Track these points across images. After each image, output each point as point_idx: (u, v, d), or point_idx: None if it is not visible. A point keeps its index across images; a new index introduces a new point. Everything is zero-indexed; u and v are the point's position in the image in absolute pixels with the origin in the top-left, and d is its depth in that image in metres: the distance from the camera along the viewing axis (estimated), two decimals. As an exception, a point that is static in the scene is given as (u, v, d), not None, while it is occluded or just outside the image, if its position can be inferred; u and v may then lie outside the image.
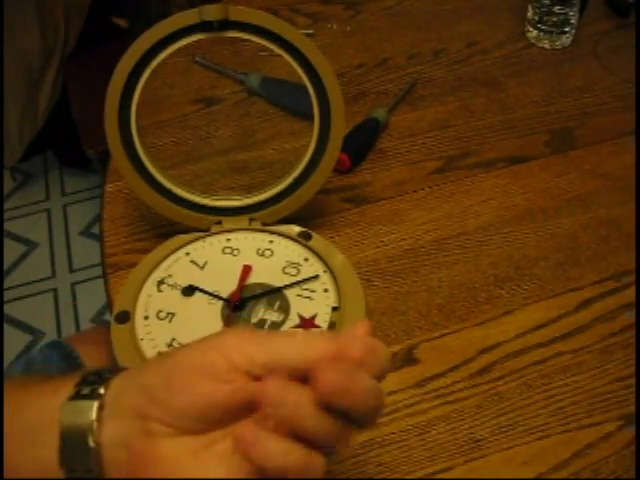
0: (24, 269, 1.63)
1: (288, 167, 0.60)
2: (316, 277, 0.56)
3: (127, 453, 0.33)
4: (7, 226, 1.72)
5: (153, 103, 0.77)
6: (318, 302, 0.54)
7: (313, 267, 0.56)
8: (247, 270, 0.56)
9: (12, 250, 1.67)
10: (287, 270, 0.56)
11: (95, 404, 0.34)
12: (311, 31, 0.86)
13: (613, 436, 0.49)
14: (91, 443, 0.33)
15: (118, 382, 0.35)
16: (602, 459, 0.48)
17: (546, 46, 0.83)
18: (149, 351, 0.50)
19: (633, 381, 0.52)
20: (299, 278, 0.56)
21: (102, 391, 0.34)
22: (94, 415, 0.34)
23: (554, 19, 0.81)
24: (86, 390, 0.35)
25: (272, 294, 0.55)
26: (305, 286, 0.55)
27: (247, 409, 0.34)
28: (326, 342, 0.33)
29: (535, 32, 0.83)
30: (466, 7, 0.90)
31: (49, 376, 0.38)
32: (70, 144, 1.68)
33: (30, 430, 0.35)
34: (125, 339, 0.52)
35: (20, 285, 1.59)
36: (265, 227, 0.60)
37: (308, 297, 0.54)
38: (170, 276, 0.56)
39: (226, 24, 0.55)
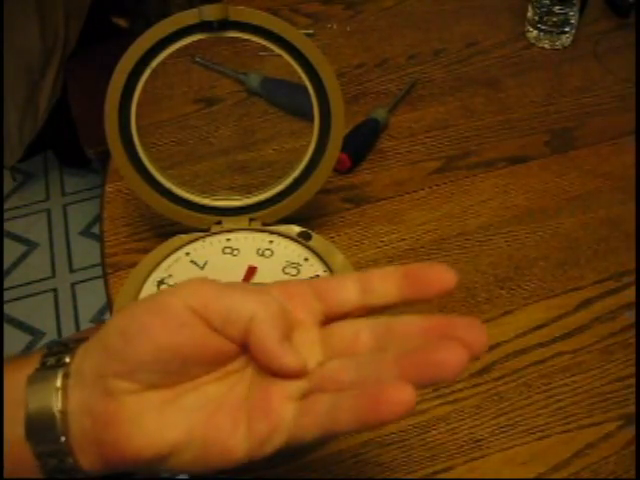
0: (24, 269, 1.63)
1: (288, 167, 0.60)
2: (316, 277, 0.56)
3: (90, 419, 0.32)
4: (7, 226, 1.72)
5: (153, 103, 0.77)
6: (318, 302, 0.54)
7: (313, 267, 0.56)
8: (252, 271, 0.56)
9: (12, 250, 1.67)
10: (287, 270, 0.56)
11: (60, 373, 0.32)
12: (311, 31, 0.86)
13: (613, 436, 0.49)
14: (56, 413, 0.32)
15: (83, 349, 0.34)
16: (602, 459, 0.48)
17: (546, 46, 0.83)
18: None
19: (633, 381, 0.52)
20: (299, 278, 0.56)
21: (67, 360, 0.33)
22: (59, 383, 0.32)
23: (554, 19, 0.81)
24: (52, 360, 0.33)
25: (272, 294, 0.54)
26: (305, 286, 0.55)
27: (214, 363, 0.33)
28: (279, 299, 0.33)
29: (535, 32, 0.83)
30: (466, 7, 0.90)
31: (21, 355, 0.36)
32: (70, 144, 1.68)
33: None
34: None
35: (20, 285, 1.59)
36: (265, 227, 0.60)
37: (308, 297, 0.54)
38: (170, 276, 0.56)
39: (226, 24, 0.55)
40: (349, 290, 0.34)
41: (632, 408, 0.51)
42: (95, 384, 0.32)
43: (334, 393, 0.31)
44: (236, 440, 0.32)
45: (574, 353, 0.54)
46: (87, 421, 0.32)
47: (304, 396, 0.32)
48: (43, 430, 0.32)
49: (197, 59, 0.83)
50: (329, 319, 0.34)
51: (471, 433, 0.50)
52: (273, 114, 0.76)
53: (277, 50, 0.56)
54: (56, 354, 0.34)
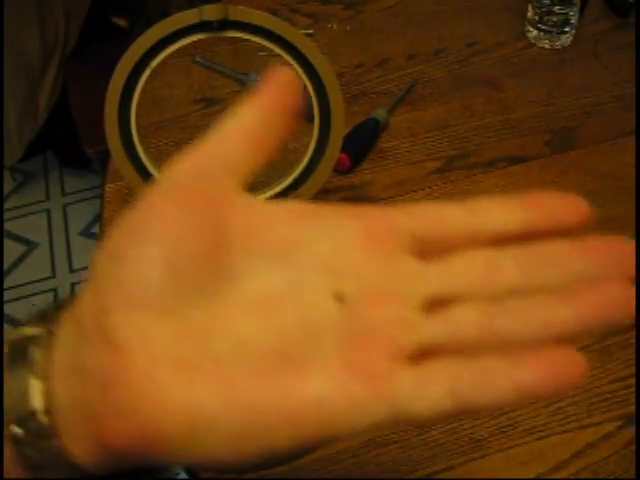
0: (24, 269, 1.63)
1: (288, 167, 0.60)
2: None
3: (82, 380, 0.22)
4: (7, 226, 1.72)
5: (153, 103, 0.77)
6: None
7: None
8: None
9: (12, 250, 1.67)
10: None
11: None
12: (311, 31, 0.86)
13: (613, 436, 0.49)
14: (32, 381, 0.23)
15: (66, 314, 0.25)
16: (602, 459, 0.48)
17: (546, 46, 0.83)
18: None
19: (633, 381, 0.52)
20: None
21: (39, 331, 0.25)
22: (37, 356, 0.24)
23: (554, 19, 0.81)
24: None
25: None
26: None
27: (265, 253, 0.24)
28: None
29: (535, 32, 0.83)
30: (466, 7, 0.90)
31: None
32: (70, 144, 1.68)
33: None
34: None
35: (20, 285, 1.59)
36: (265, 227, 0.60)
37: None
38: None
39: (226, 24, 0.55)
40: (449, 208, 0.25)
41: (632, 408, 0.51)
42: (88, 330, 0.23)
43: (472, 353, 0.22)
44: (307, 401, 0.21)
45: (574, 353, 0.54)
46: (78, 385, 0.23)
47: (422, 353, 0.23)
48: (19, 409, 0.23)
49: (197, 59, 0.83)
50: (427, 250, 0.25)
51: (471, 433, 0.50)
52: (273, 114, 0.76)
53: (277, 50, 0.56)
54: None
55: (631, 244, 0.24)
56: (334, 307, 0.23)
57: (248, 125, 0.26)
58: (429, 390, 0.22)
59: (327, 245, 0.24)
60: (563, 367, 0.22)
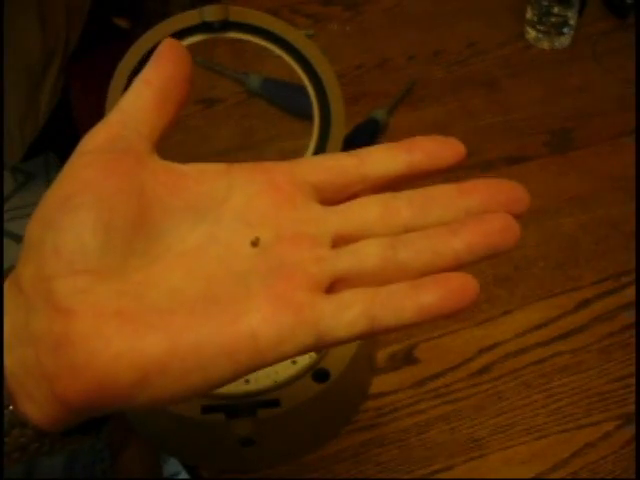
0: (25, 269, 1.63)
1: (288, 167, 0.60)
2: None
3: (33, 347, 0.24)
4: (7, 226, 1.72)
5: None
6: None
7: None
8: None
9: (12, 250, 1.66)
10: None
11: None
12: (311, 32, 0.86)
13: (612, 436, 0.50)
14: None
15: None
16: (601, 459, 0.48)
17: (545, 47, 0.83)
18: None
19: (632, 381, 0.52)
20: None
21: None
22: None
23: (553, 20, 0.82)
24: None
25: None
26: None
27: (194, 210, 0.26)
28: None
29: (534, 33, 0.83)
30: (466, 8, 0.90)
31: None
32: (71, 144, 1.67)
33: None
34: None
35: (21, 285, 1.59)
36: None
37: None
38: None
39: (226, 25, 0.55)
40: (342, 159, 0.28)
41: (631, 408, 0.51)
42: (34, 299, 0.24)
43: (377, 283, 0.25)
44: (240, 334, 0.24)
45: (573, 353, 0.54)
46: (30, 352, 0.24)
47: (336, 284, 0.26)
48: None
49: (198, 60, 0.83)
50: (326, 198, 0.28)
51: (470, 433, 0.50)
52: (273, 114, 0.76)
53: (277, 51, 0.56)
54: None
55: (513, 184, 0.27)
56: (253, 252, 0.26)
57: (151, 94, 0.29)
58: (346, 313, 0.24)
59: (240, 199, 0.27)
60: (458, 289, 0.25)
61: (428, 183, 0.28)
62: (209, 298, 0.24)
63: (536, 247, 0.62)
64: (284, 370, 0.49)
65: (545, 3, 0.81)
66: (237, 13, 0.54)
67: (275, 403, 0.48)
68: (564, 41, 0.83)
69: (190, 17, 0.54)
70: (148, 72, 0.29)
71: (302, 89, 0.57)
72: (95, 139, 0.27)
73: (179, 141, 0.73)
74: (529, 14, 0.84)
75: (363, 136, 0.71)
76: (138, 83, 0.29)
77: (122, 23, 1.36)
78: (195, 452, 0.51)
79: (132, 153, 0.27)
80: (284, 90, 0.76)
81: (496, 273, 0.60)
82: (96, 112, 0.61)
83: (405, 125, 0.74)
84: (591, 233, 0.63)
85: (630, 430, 0.50)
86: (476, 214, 0.26)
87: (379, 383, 0.53)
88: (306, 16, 0.90)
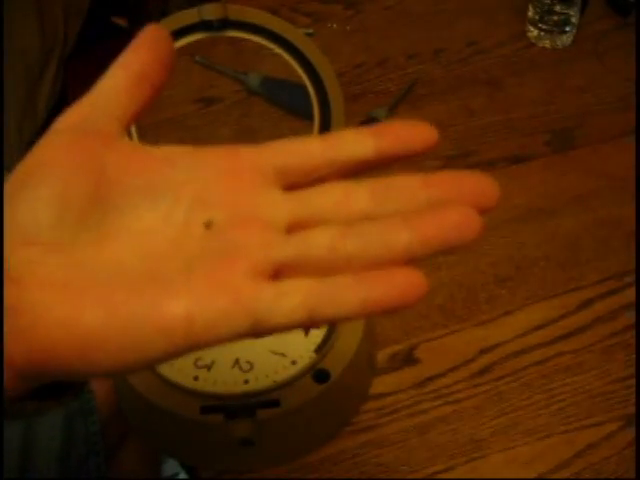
0: (24, 269, 1.63)
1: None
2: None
3: None
4: (7, 226, 1.72)
5: (153, 103, 0.77)
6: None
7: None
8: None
9: (12, 250, 1.67)
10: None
11: None
12: (311, 30, 0.86)
13: (614, 436, 0.49)
14: None
15: None
16: (603, 459, 0.48)
17: (547, 45, 0.83)
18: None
19: (634, 381, 0.52)
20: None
21: None
22: None
23: (555, 18, 0.81)
24: None
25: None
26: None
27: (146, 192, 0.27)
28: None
29: (536, 31, 0.83)
30: (466, 7, 0.90)
31: None
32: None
33: None
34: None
35: (20, 285, 1.59)
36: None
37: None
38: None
39: (226, 23, 0.54)
40: (310, 142, 0.28)
41: (633, 408, 0.51)
42: None
43: (325, 272, 0.25)
44: (175, 314, 0.24)
45: (575, 353, 0.54)
46: None
47: (281, 272, 0.26)
48: None
49: (197, 59, 0.82)
50: (292, 182, 0.28)
51: (471, 433, 0.50)
52: (273, 114, 0.76)
53: (277, 49, 0.56)
54: None
55: (482, 177, 0.26)
56: (203, 234, 0.26)
57: (124, 77, 0.29)
58: (285, 301, 0.24)
59: (201, 182, 0.27)
60: (402, 285, 0.24)
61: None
62: (152, 277, 0.25)
63: (537, 247, 0.62)
64: (284, 370, 0.49)
65: (547, 1, 0.81)
66: (236, 12, 0.54)
67: (275, 403, 0.47)
68: (566, 40, 0.83)
69: (189, 15, 0.54)
70: (125, 55, 0.30)
71: (302, 88, 0.57)
72: (66, 119, 0.28)
73: (178, 140, 0.73)
74: (531, 13, 0.83)
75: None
76: (114, 66, 0.30)
77: (121, 22, 1.35)
78: (194, 453, 0.51)
79: (98, 133, 0.28)
80: (284, 89, 0.76)
81: (497, 273, 0.59)
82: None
83: (405, 124, 0.74)
84: (593, 233, 0.63)
85: (632, 431, 0.49)
86: (436, 206, 0.26)
87: (379, 383, 0.53)
88: (306, 15, 0.89)
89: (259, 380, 0.49)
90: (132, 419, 0.54)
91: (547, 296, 0.58)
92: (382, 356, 0.54)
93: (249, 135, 0.73)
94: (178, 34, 0.55)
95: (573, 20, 0.82)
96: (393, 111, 0.75)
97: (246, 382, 0.49)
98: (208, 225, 0.26)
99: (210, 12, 0.54)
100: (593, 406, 0.51)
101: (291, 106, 0.75)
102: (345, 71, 0.81)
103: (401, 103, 0.76)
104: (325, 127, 0.58)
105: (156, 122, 0.75)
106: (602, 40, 0.84)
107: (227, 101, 0.78)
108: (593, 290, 0.58)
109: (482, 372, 0.53)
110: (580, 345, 0.55)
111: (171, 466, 1.06)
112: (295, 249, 0.25)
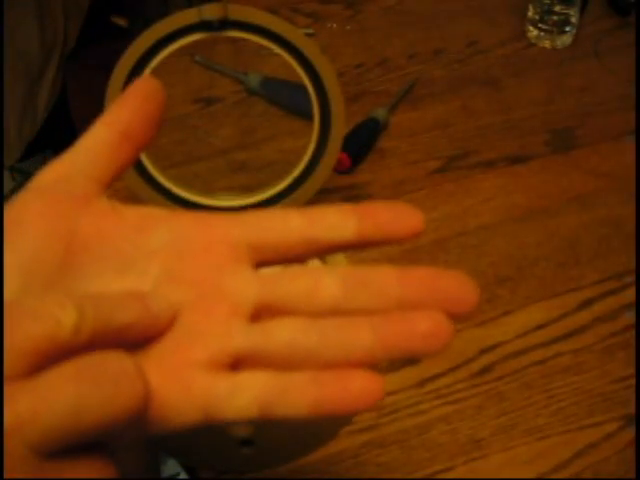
0: (24, 269, 1.63)
1: (288, 167, 0.60)
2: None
3: None
4: (7, 226, 1.72)
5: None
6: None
7: (311, 266, 0.56)
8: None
9: (12, 250, 1.67)
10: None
11: None
12: (311, 30, 0.86)
13: (614, 436, 0.49)
14: None
15: None
16: (603, 459, 0.48)
17: (547, 45, 0.83)
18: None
19: (634, 381, 0.52)
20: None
21: None
22: None
23: (555, 18, 0.81)
24: None
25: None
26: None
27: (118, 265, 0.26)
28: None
29: (536, 31, 0.83)
30: (466, 7, 0.90)
31: None
32: (70, 143, 1.68)
33: None
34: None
35: (20, 285, 1.59)
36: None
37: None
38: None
39: (226, 23, 0.54)
40: (290, 218, 0.27)
41: (633, 408, 0.51)
42: None
43: (284, 365, 0.24)
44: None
45: (575, 353, 0.54)
46: None
47: (237, 362, 0.25)
48: None
49: (197, 59, 0.82)
50: (265, 258, 0.27)
51: (472, 433, 0.50)
52: (273, 114, 0.76)
53: (277, 49, 0.56)
54: None
55: (462, 280, 0.26)
56: None
57: (107, 136, 0.28)
58: (238, 398, 0.24)
59: (171, 254, 0.26)
60: (357, 390, 0.23)
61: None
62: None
63: (537, 247, 0.62)
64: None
65: (547, 1, 0.81)
66: (236, 12, 0.54)
67: (275, 404, 0.47)
68: (566, 40, 0.83)
69: (189, 15, 0.54)
70: (109, 113, 0.29)
71: (302, 88, 0.57)
72: (45, 176, 0.27)
73: (178, 140, 0.73)
74: (530, 12, 0.83)
75: (363, 135, 0.71)
76: (99, 122, 0.29)
77: (121, 22, 1.36)
78: (194, 453, 0.51)
79: (73, 196, 0.27)
80: (284, 89, 0.76)
81: (497, 273, 0.60)
82: (94, 111, 0.61)
83: (405, 124, 0.74)
84: (593, 232, 0.63)
85: (632, 431, 0.49)
86: (408, 308, 0.25)
87: (380, 384, 0.53)
88: (306, 15, 0.89)
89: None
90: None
91: (547, 296, 0.58)
92: (382, 356, 0.54)
93: (249, 135, 0.73)
94: (178, 34, 0.55)
95: (573, 20, 0.82)
96: (393, 111, 0.75)
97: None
98: (172, 304, 0.25)
99: (210, 12, 0.54)
100: (593, 406, 0.51)
101: (291, 106, 0.75)
102: (345, 71, 0.81)
103: (401, 103, 0.76)
104: (325, 127, 0.58)
105: (156, 122, 0.75)
106: (602, 40, 0.84)
107: (227, 101, 0.78)
108: (593, 290, 0.58)
109: (482, 372, 0.53)
110: (580, 345, 0.55)
111: (171, 466, 1.06)
112: (255, 341, 0.25)
